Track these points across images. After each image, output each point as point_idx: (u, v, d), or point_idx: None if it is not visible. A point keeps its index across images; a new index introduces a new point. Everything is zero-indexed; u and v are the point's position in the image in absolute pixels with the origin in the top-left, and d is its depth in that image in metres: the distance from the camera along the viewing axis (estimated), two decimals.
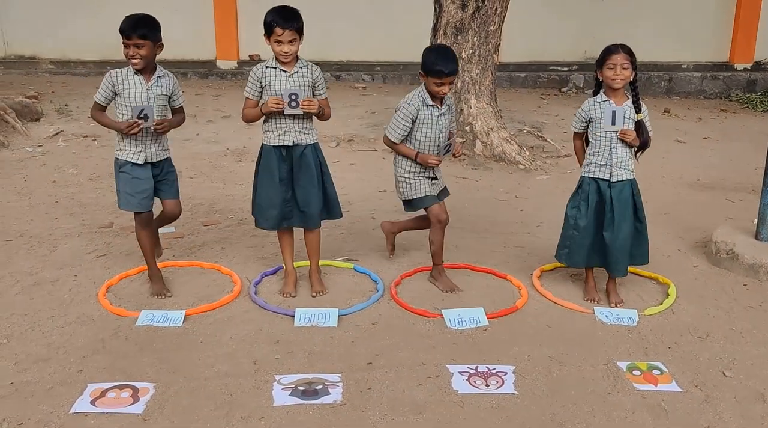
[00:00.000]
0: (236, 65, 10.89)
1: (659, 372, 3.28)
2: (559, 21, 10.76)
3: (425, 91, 3.92)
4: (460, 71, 3.72)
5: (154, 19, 3.75)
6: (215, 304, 3.83)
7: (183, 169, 6.12)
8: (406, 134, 3.95)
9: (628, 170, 3.85)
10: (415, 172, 4.02)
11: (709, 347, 3.54)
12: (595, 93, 3.91)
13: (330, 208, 4.01)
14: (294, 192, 3.87)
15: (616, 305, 3.93)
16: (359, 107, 8.77)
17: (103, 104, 3.80)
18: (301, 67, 3.78)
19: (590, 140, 3.90)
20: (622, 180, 3.84)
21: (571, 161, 6.95)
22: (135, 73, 3.74)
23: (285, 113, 3.72)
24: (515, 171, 6.73)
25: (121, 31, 3.67)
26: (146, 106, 3.71)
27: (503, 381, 3.16)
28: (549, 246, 4.48)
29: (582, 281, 4.16)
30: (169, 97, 3.88)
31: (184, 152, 6.82)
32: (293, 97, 3.67)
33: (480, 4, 6.60)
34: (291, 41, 3.67)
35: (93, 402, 2.94)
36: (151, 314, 3.69)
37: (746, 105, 10.40)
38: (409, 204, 4.13)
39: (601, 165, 3.84)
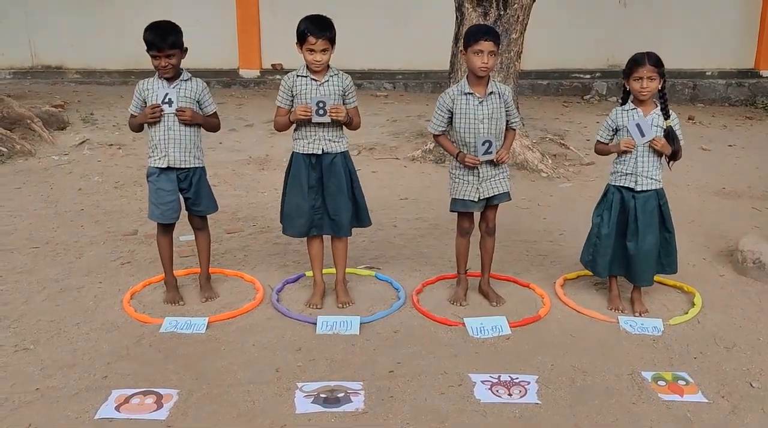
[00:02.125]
0: (259, 74, 10.97)
1: (685, 383, 3.24)
2: (582, 28, 10.69)
3: (466, 80, 3.81)
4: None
5: (175, 23, 3.74)
6: (238, 311, 3.85)
7: None
8: (443, 125, 3.87)
9: (655, 179, 3.80)
10: (456, 170, 3.91)
11: (736, 357, 3.49)
12: (624, 101, 3.88)
13: (359, 216, 4.01)
14: (324, 200, 3.88)
15: (640, 315, 3.89)
16: (380, 115, 8.78)
17: (136, 115, 3.83)
18: (331, 76, 3.79)
19: None
20: (648, 190, 3.80)
21: (594, 169, 6.91)
22: (162, 79, 3.75)
23: (312, 121, 3.73)
24: (537, 179, 6.70)
25: (150, 43, 3.64)
26: (170, 90, 3.72)
27: (526, 391, 3.14)
28: (572, 254, 4.45)
29: (605, 290, 4.12)
30: (200, 104, 3.85)
31: (207, 160, 6.72)
32: (321, 105, 3.68)
33: (502, 12, 6.59)
34: (323, 50, 3.69)
35: (117, 408, 2.97)
36: (175, 321, 3.72)
37: None
38: (451, 202, 4.01)
39: (626, 174, 3.81)
